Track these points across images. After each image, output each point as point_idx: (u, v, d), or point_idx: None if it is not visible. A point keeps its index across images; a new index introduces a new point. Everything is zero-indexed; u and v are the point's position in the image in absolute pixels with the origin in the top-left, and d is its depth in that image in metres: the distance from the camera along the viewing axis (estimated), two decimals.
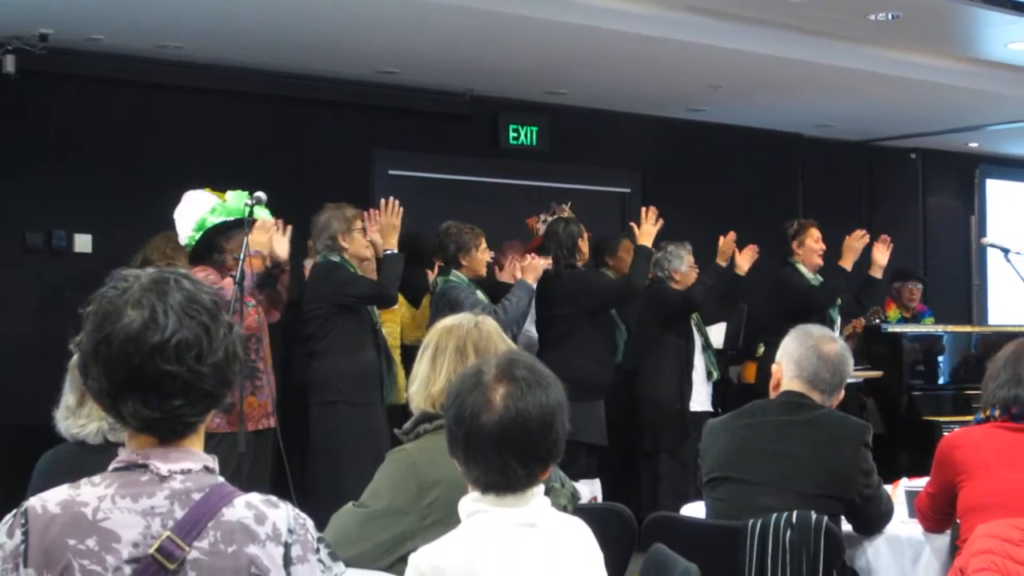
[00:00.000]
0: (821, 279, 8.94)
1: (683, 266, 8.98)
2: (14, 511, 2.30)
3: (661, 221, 8.31)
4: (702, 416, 8.32)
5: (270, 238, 6.70)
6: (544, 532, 2.88)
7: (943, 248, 13.65)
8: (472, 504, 2.89)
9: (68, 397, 4.30)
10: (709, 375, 8.98)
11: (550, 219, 8.56)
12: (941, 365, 10.38)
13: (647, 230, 8.25)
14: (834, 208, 12.23)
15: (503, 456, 2.81)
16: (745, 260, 8.88)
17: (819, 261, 8.97)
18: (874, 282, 9.11)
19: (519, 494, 2.86)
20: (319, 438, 7.22)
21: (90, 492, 2.29)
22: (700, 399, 8.87)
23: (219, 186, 6.78)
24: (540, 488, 2.91)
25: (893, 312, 11.24)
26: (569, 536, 2.95)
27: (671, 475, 8.69)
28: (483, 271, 8.03)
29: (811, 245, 8.95)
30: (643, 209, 8.37)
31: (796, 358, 4.78)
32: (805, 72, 9.77)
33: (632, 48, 8.97)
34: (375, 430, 7.15)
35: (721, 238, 8.86)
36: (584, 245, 8.30)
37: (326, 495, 6.67)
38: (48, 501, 2.28)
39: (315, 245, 7.53)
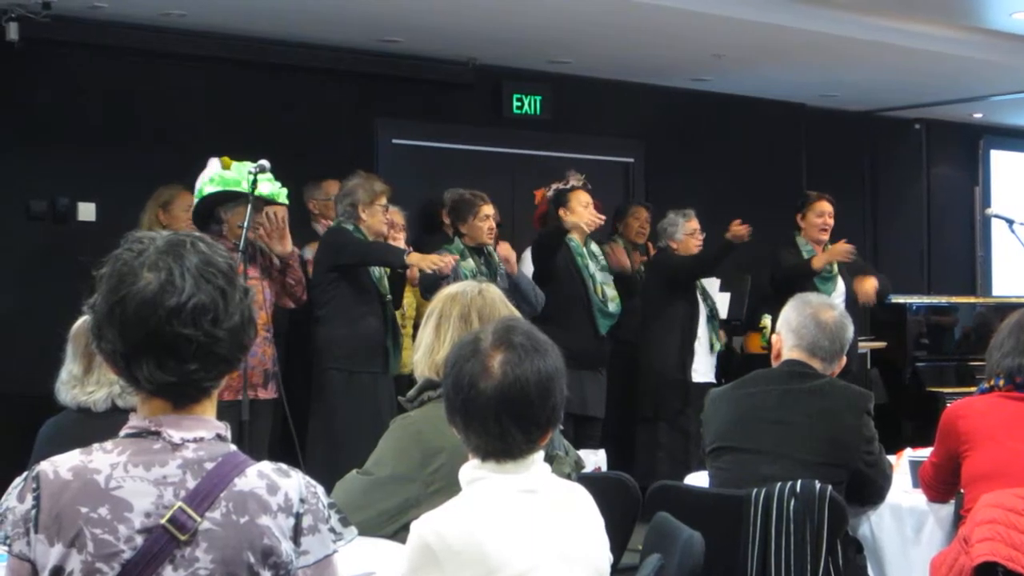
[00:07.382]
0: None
1: (678, 234, 8.98)
2: (24, 475, 2.27)
3: None
4: (704, 387, 8.31)
5: None
6: (544, 498, 2.88)
7: (947, 219, 13.62)
8: (472, 471, 2.89)
9: (72, 366, 4.29)
10: (712, 347, 8.96)
11: (562, 187, 8.38)
12: (945, 336, 10.37)
13: None
14: (837, 178, 12.16)
15: (502, 423, 2.82)
16: None
17: (821, 236, 8.66)
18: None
19: (519, 460, 2.87)
20: (315, 405, 7.17)
21: (103, 459, 2.27)
22: (703, 370, 8.85)
23: (221, 154, 6.71)
24: (540, 454, 2.91)
25: None
26: (569, 502, 2.96)
27: (670, 444, 8.69)
28: (484, 239, 7.88)
29: (812, 219, 8.70)
30: None
31: (795, 327, 4.79)
32: (809, 41, 9.71)
33: (636, 17, 8.92)
34: (374, 400, 7.10)
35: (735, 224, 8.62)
36: (570, 214, 8.11)
37: (320, 463, 6.66)
38: (60, 466, 2.25)
39: (336, 208, 7.47)
